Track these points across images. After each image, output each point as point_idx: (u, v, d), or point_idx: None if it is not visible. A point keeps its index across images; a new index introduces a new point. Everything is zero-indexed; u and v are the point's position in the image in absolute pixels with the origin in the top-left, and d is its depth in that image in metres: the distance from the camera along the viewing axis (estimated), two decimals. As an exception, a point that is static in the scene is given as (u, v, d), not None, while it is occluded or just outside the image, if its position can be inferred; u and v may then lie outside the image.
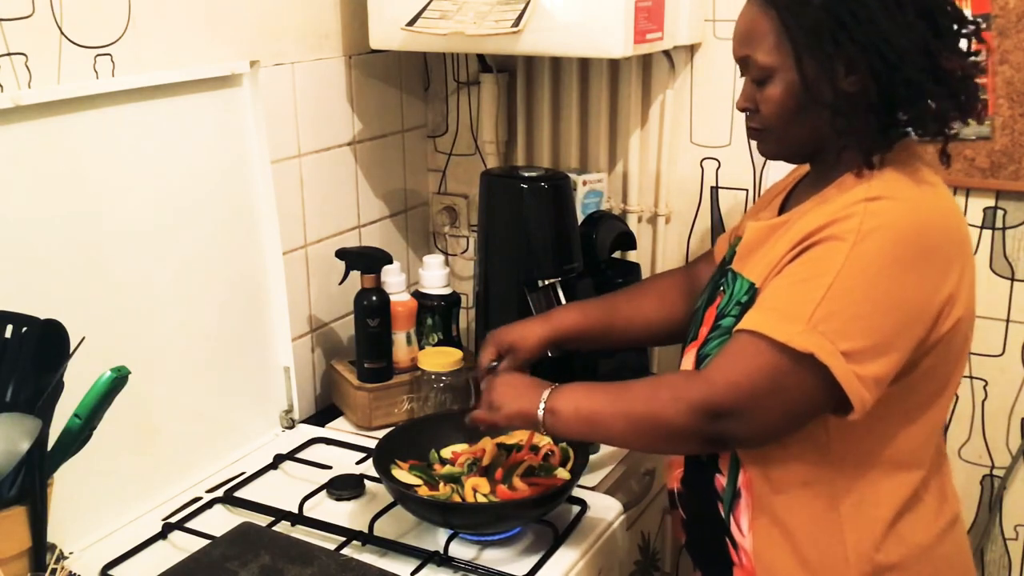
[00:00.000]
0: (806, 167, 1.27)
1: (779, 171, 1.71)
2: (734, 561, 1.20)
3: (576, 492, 1.39)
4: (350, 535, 1.32)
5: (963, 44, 1.12)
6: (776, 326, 1.05)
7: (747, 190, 1.80)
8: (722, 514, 1.20)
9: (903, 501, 1.14)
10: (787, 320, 1.05)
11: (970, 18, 1.16)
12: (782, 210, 1.25)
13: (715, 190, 1.83)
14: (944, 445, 1.24)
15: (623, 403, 1.17)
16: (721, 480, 1.19)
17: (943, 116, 1.11)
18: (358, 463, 1.53)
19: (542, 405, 1.21)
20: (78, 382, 1.13)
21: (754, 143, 1.22)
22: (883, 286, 1.04)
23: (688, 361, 1.26)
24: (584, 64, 1.87)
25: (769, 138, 1.18)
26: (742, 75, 1.19)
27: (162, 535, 1.35)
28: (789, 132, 1.15)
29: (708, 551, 1.26)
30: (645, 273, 1.85)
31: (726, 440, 1.13)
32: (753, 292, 1.15)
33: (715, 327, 1.21)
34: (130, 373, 1.14)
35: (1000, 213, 1.64)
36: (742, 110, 1.19)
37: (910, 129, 1.14)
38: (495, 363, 1.41)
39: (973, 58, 1.13)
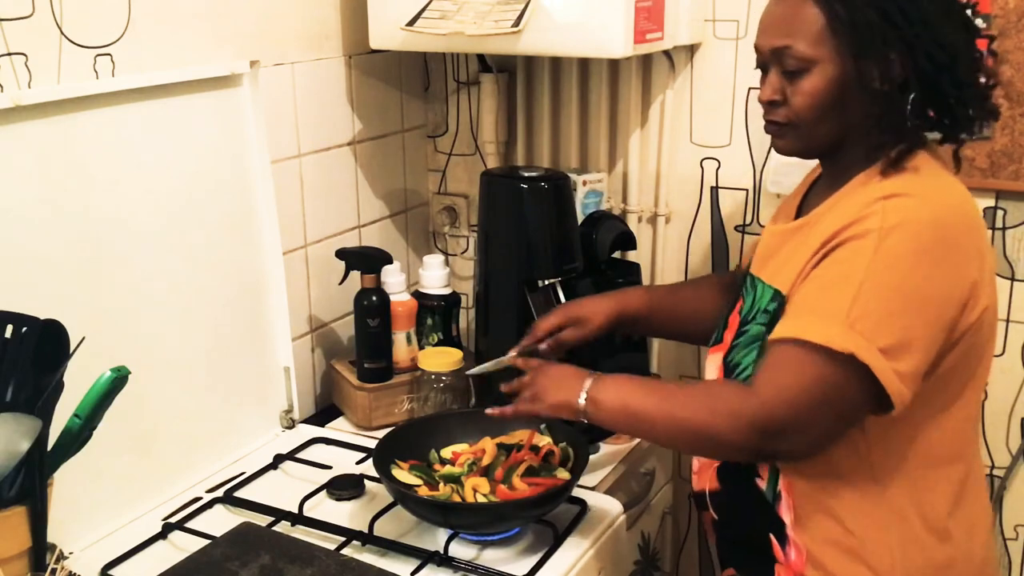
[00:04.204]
0: (817, 171, 1.27)
1: (779, 172, 1.71)
2: (778, 559, 1.18)
3: (576, 492, 1.39)
4: (350, 535, 1.32)
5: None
6: (813, 329, 1.05)
7: (747, 190, 1.80)
8: (764, 514, 1.18)
9: (952, 494, 1.15)
10: (823, 323, 1.05)
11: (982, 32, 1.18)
12: (798, 214, 1.24)
13: (715, 190, 1.83)
14: (977, 440, 1.25)
15: (674, 407, 1.15)
16: (761, 483, 1.19)
17: (972, 120, 1.13)
18: (358, 463, 1.53)
19: (584, 394, 1.20)
20: (78, 382, 1.13)
21: (755, 141, 1.23)
22: (912, 281, 1.04)
23: (713, 365, 1.26)
24: (584, 64, 1.87)
25: (794, 133, 1.16)
26: (762, 66, 1.17)
27: (162, 535, 1.35)
28: (818, 127, 1.14)
29: (745, 550, 1.25)
30: (645, 273, 1.85)
31: (779, 455, 1.13)
32: (780, 300, 1.15)
33: (740, 333, 1.21)
34: (130, 373, 1.14)
35: (1000, 213, 1.63)
36: (768, 103, 1.17)
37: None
38: (550, 337, 1.42)
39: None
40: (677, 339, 1.69)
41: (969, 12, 1.12)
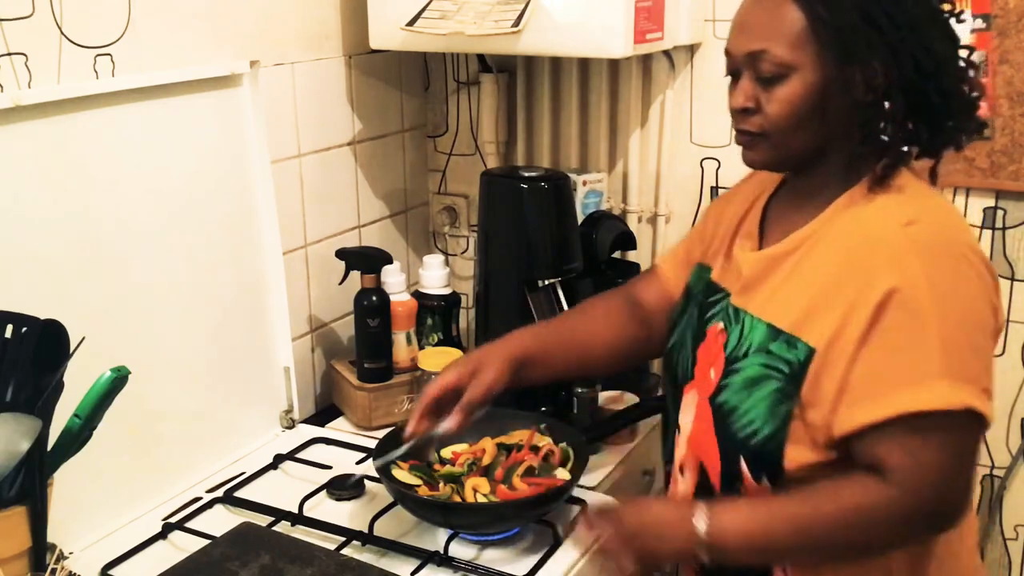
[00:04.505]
0: (766, 181, 1.22)
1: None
2: None
3: (576, 492, 1.39)
4: (350, 535, 1.32)
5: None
6: (923, 398, 0.98)
7: (747, 190, 1.80)
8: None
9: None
10: (928, 388, 0.98)
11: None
12: (762, 230, 1.19)
13: (715, 190, 1.83)
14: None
15: (815, 535, 1.05)
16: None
17: (957, 132, 1.09)
18: (358, 463, 1.53)
19: (702, 541, 1.06)
20: (78, 382, 1.13)
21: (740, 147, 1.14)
22: (972, 309, 1.02)
23: (690, 404, 1.18)
24: (584, 64, 1.87)
25: (767, 144, 1.09)
26: (733, 72, 1.10)
27: (162, 535, 1.35)
28: (794, 138, 1.07)
29: None
30: (645, 273, 1.85)
31: (945, 530, 1.06)
32: (807, 353, 1.04)
33: (729, 371, 1.12)
34: (130, 373, 1.14)
35: (1000, 213, 1.64)
36: (740, 110, 1.09)
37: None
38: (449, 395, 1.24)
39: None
40: (577, 374, 1.47)
41: (953, 21, 1.07)
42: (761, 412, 1.07)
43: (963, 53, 1.08)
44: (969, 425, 1.01)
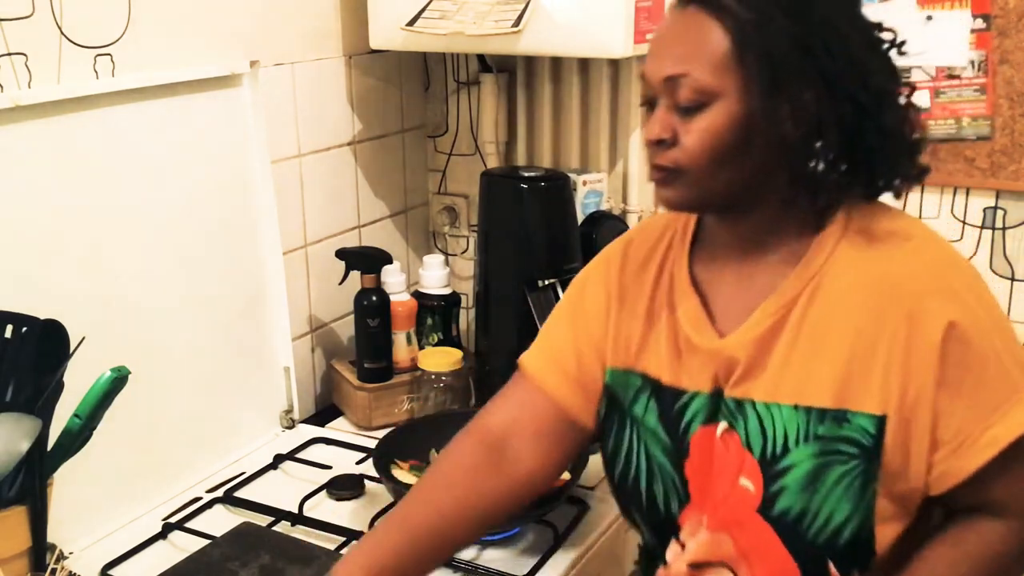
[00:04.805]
0: (661, 237, 1.08)
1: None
2: None
3: (576, 492, 1.39)
4: (350, 535, 1.32)
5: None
6: (1021, 420, 0.91)
7: (747, 190, 1.80)
8: None
9: None
10: (1017, 410, 0.91)
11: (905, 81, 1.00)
12: (703, 298, 1.02)
13: (715, 190, 1.83)
14: None
15: None
16: None
17: (895, 177, 0.97)
18: (358, 463, 1.53)
19: None
20: (78, 382, 1.13)
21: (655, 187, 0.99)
22: (1006, 319, 0.99)
23: (696, 529, 1.01)
24: (584, 64, 1.87)
25: (684, 181, 0.95)
26: (648, 100, 0.97)
27: (162, 535, 1.35)
28: (714, 176, 0.94)
29: None
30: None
31: None
32: (875, 423, 0.92)
33: (777, 474, 0.95)
34: (130, 373, 1.15)
35: (1000, 213, 1.63)
36: (655, 142, 0.95)
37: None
38: None
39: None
40: (437, 567, 1.10)
41: (895, 54, 0.97)
42: (841, 505, 0.93)
43: (905, 91, 0.97)
44: None
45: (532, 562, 1.27)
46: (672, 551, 1.05)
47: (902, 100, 0.96)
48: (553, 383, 1.11)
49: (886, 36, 0.96)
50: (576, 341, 1.11)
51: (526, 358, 1.14)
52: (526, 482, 1.10)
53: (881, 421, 0.92)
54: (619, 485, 1.08)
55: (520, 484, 1.10)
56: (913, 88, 0.99)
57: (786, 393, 0.95)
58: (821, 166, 0.94)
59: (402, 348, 1.72)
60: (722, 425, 0.99)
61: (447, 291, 1.80)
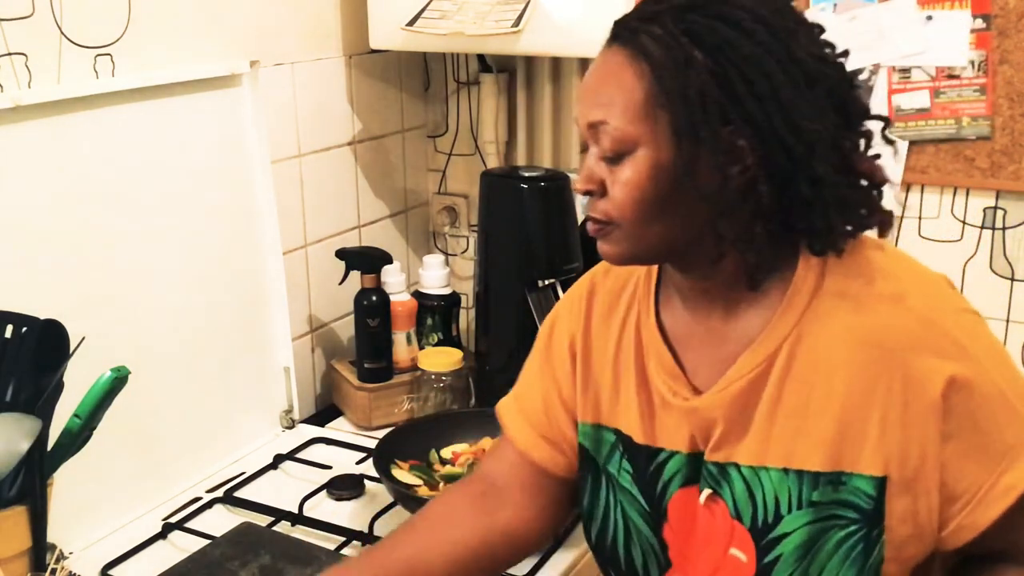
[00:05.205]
0: (626, 284, 1.02)
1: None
2: None
3: (576, 492, 1.39)
4: (350, 535, 1.32)
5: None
6: None
7: (747, 190, 1.80)
8: None
9: None
10: None
11: (873, 114, 0.90)
12: (666, 337, 0.96)
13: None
14: None
15: None
16: None
17: (837, 232, 0.87)
18: (358, 463, 1.53)
19: None
20: (78, 382, 1.13)
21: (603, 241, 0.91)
22: (1007, 355, 0.91)
23: None
24: (584, 64, 1.86)
25: (619, 235, 0.88)
26: (584, 146, 0.92)
27: (162, 535, 1.35)
28: (645, 228, 0.87)
29: None
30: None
31: None
32: (875, 485, 0.86)
33: (769, 544, 0.89)
34: (130, 373, 1.14)
35: (1000, 213, 1.63)
36: (584, 193, 0.89)
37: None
38: None
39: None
40: None
41: (846, 95, 0.87)
42: (843, 572, 0.88)
43: (873, 125, 0.88)
44: None
45: (532, 562, 1.27)
46: None
47: (849, 143, 0.86)
48: (524, 439, 1.06)
49: (829, 71, 0.85)
50: (545, 394, 1.06)
51: (501, 407, 1.10)
52: (504, 531, 1.05)
53: (882, 483, 0.86)
54: (596, 546, 1.04)
55: (498, 533, 1.05)
56: (888, 122, 0.91)
57: (774, 456, 0.89)
58: (756, 222, 0.86)
59: (402, 348, 1.72)
60: (705, 492, 0.93)
61: (447, 291, 1.80)
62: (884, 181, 0.89)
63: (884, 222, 0.90)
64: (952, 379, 0.84)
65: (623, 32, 0.86)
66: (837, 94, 0.85)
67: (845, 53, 0.88)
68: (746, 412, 0.90)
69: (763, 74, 0.81)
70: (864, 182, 0.88)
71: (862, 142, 0.89)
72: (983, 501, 0.85)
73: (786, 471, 0.88)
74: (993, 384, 0.86)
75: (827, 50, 0.87)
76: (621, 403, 0.99)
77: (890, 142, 0.92)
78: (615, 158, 0.86)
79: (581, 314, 1.04)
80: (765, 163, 0.83)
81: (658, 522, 0.97)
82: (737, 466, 0.91)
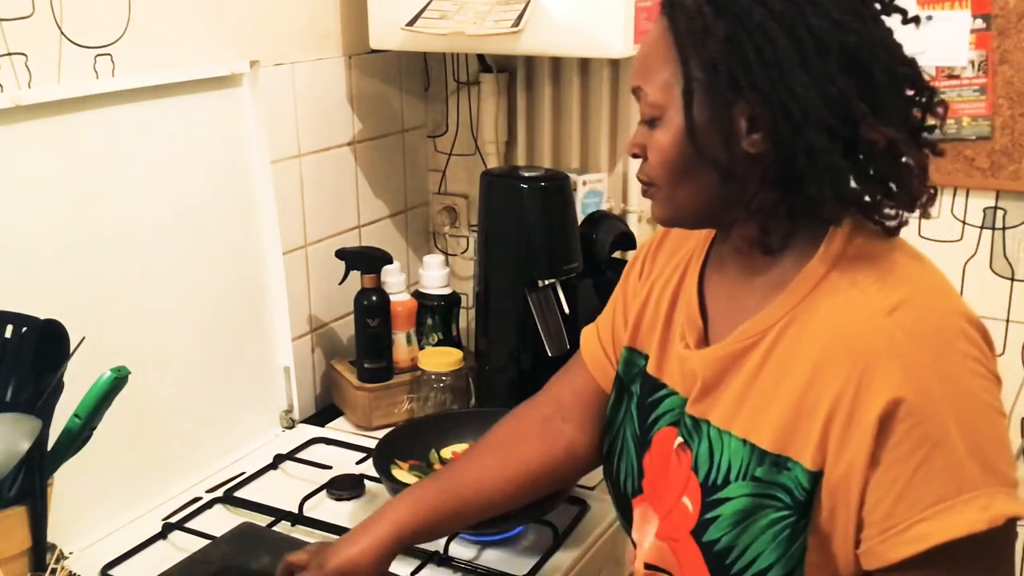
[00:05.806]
0: (693, 243, 1.05)
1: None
2: None
3: (576, 492, 1.39)
4: (350, 535, 1.32)
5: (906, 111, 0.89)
6: (963, 520, 0.81)
7: (747, 190, 1.80)
8: None
9: None
10: (961, 506, 0.81)
11: (928, 81, 0.89)
12: (703, 311, 1.00)
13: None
14: None
15: None
16: None
17: (835, 206, 0.87)
18: (358, 463, 1.53)
19: None
20: (78, 382, 1.13)
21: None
22: (985, 395, 0.85)
23: (646, 520, 1.02)
24: (584, 64, 1.86)
25: (659, 197, 0.94)
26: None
27: (162, 535, 1.35)
28: (676, 191, 0.92)
29: None
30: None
31: None
32: (809, 477, 0.86)
33: (712, 503, 0.93)
34: (130, 373, 1.14)
35: (1000, 213, 1.64)
36: (632, 155, 0.96)
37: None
38: None
39: (926, 132, 0.90)
40: (481, 519, 1.15)
41: (873, 59, 0.85)
42: (768, 550, 0.89)
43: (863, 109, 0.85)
44: (1008, 529, 0.84)
45: (532, 562, 1.27)
46: (632, 549, 1.08)
47: (858, 109, 0.84)
48: (593, 360, 1.15)
49: (848, 38, 0.84)
50: (614, 313, 1.14)
51: (584, 330, 1.18)
52: (567, 451, 1.14)
53: (816, 477, 0.86)
54: (606, 456, 1.12)
55: (560, 453, 1.14)
56: (902, 102, 0.88)
57: (739, 426, 0.92)
58: (766, 191, 0.88)
59: (402, 348, 1.72)
60: (679, 439, 0.98)
61: (447, 291, 1.80)
62: (897, 153, 0.86)
63: (909, 197, 0.88)
64: (896, 401, 0.82)
65: (665, 3, 0.91)
66: (857, 60, 0.84)
67: (903, 11, 0.89)
68: (725, 378, 0.94)
69: (769, 41, 0.84)
70: (882, 149, 0.85)
71: (890, 109, 0.86)
72: (892, 539, 0.83)
73: (744, 442, 0.92)
74: (942, 427, 0.82)
75: (851, 16, 0.85)
76: (652, 333, 1.06)
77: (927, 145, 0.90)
78: (651, 123, 0.91)
79: (656, 242, 1.12)
80: (771, 130, 0.85)
81: (641, 449, 1.04)
82: (709, 424, 0.95)
